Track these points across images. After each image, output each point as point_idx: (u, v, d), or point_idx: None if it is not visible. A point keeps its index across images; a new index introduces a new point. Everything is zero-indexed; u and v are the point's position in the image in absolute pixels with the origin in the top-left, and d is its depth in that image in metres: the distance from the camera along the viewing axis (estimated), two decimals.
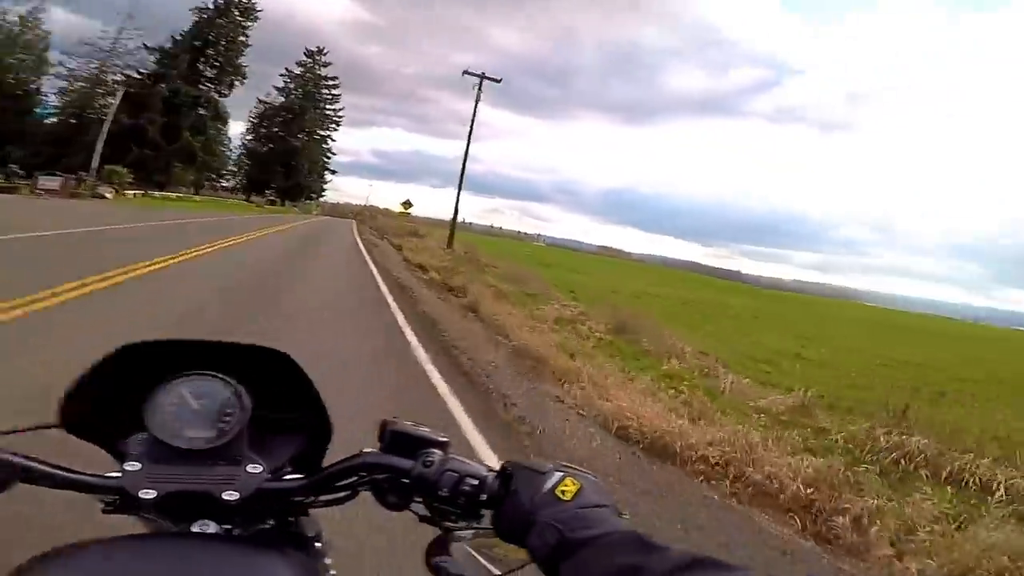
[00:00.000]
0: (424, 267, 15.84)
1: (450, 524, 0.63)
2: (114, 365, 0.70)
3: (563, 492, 0.56)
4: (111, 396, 0.70)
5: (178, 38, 50.64)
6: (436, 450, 0.64)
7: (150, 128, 43.76)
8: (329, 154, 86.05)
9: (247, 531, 0.65)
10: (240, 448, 0.67)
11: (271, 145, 77.99)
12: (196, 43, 51.42)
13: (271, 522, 0.68)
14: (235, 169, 77.57)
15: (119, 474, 0.62)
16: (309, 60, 79.47)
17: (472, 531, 0.63)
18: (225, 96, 55.56)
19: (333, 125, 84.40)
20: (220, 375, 0.70)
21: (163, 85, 46.81)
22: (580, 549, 0.50)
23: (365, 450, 0.66)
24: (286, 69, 78.31)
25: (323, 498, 0.68)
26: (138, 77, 46.38)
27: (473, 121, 27.86)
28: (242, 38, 55.11)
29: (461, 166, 28.59)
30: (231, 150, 71.55)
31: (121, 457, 0.67)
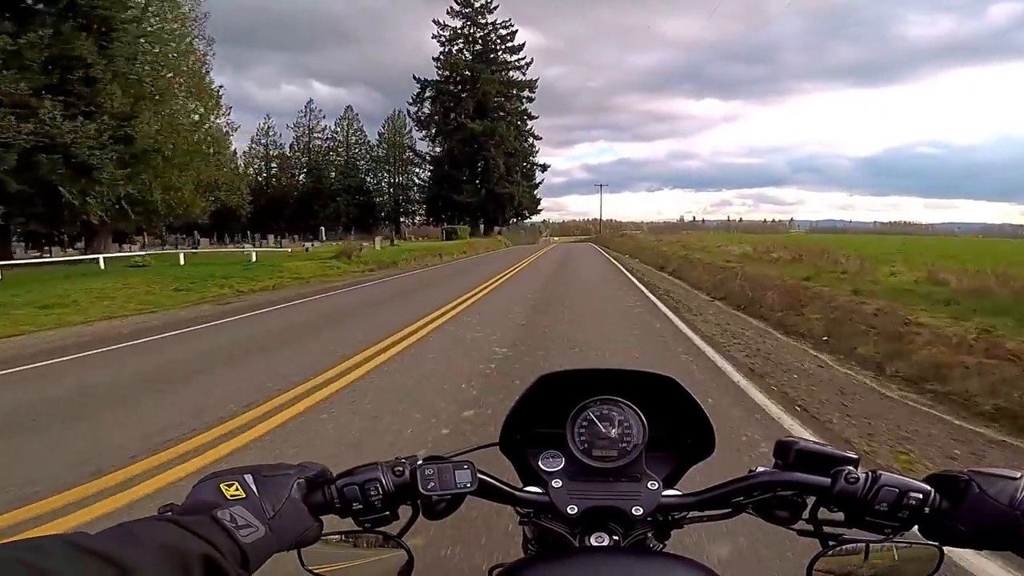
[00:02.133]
0: None
1: (833, 538, 0.64)
2: (534, 393, 0.80)
3: None
4: (530, 420, 0.81)
5: None
6: (851, 467, 0.64)
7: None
8: (533, 139, 55.31)
9: (628, 543, 0.69)
10: (640, 466, 0.74)
11: (448, 143, 51.29)
12: None
13: (649, 533, 0.72)
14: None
15: (541, 491, 0.73)
16: (465, 7, 50.85)
17: (861, 542, 0.63)
18: None
19: (526, 93, 53.39)
20: (620, 399, 0.77)
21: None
22: None
23: (759, 469, 0.69)
24: (435, 22, 52.22)
25: (707, 513, 0.72)
26: None
27: None
28: None
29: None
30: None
31: (526, 471, 0.79)
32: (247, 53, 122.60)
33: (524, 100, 54.90)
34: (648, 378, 0.80)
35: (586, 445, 0.75)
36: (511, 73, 52.91)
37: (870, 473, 0.64)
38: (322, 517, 0.62)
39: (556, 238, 69.87)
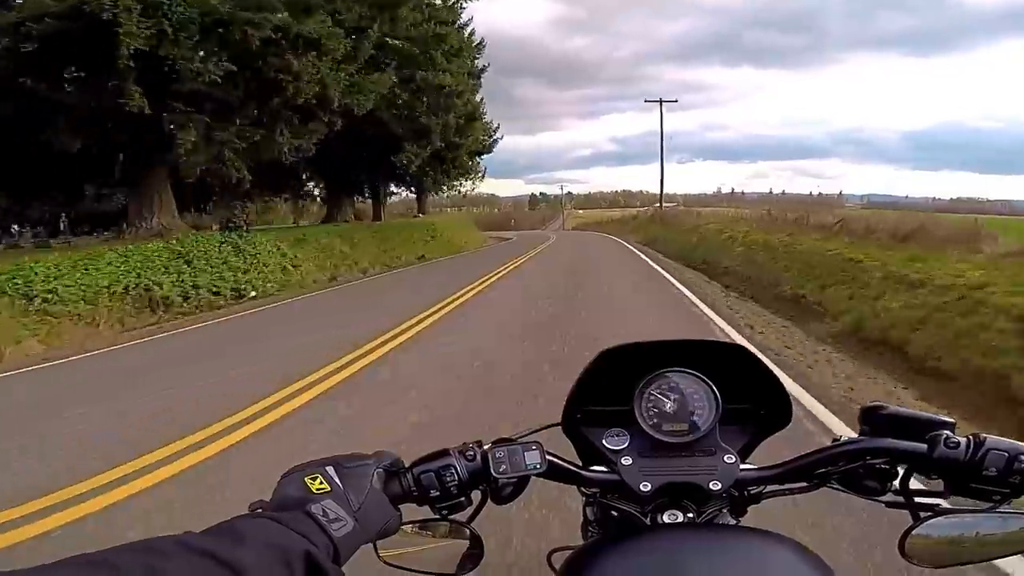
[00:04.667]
0: None
1: (926, 508, 0.62)
2: (596, 370, 0.76)
3: None
4: (588, 398, 0.77)
5: None
6: (948, 431, 0.61)
7: None
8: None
9: (703, 520, 0.68)
10: (714, 439, 0.71)
11: None
12: None
13: (724, 510, 0.70)
14: None
15: (607, 470, 0.71)
16: None
17: (956, 512, 0.61)
18: None
19: None
20: (690, 371, 0.74)
21: None
22: None
23: (844, 437, 0.67)
24: None
25: (787, 487, 0.70)
26: None
27: None
28: None
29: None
30: None
31: (587, 451, 0.76)
32: None
33: None
34: (716, 348, 0.77)
35: (655, 420, 0.73)
36: None
37: (972, 437, 0.60)
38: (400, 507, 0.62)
39: (581, 211, 57.15)
